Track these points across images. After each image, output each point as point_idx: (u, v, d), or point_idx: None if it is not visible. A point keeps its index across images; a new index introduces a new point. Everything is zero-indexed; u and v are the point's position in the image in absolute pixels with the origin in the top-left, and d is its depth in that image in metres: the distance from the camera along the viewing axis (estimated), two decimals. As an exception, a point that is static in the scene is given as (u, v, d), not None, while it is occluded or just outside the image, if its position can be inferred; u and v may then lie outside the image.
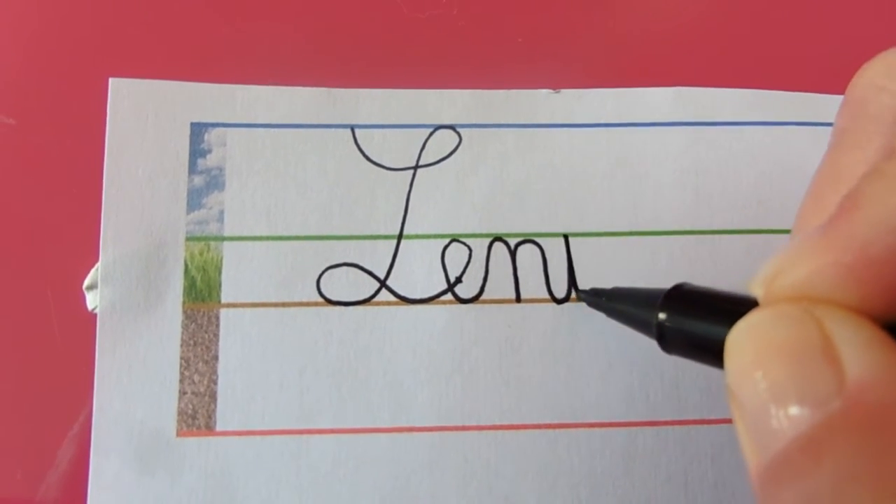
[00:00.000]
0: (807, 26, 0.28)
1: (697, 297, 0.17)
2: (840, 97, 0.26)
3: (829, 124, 0.26)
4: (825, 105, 0.26)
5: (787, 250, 0.13)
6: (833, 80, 0.26)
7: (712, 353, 0.15)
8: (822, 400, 0.11)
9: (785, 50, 0.27)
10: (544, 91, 0.26)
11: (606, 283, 0.25)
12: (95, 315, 0.24)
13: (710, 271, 0.25)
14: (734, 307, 0.14)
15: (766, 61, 0.27)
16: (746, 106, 0.26)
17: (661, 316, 0.17)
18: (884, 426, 0.11)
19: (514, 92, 0.26)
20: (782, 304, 0.12)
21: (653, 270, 0.25)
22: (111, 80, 0.25)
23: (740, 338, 0.13)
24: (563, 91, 0.26)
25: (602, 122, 0.26)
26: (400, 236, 0.25)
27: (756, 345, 0.12)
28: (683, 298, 0.17)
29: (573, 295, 0.25)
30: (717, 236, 0.25)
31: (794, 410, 0.11)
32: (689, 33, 0.28)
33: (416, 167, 0.25)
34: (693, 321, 0.16)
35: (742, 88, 0.26)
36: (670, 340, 0.17)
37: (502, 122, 0.26)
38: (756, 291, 0.13)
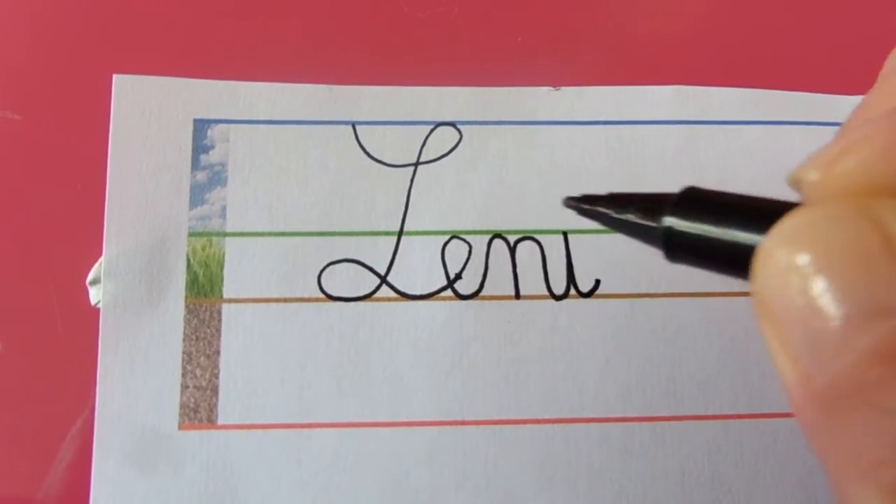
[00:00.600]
0: (805, 27, 0.28)
1: (715, 198, 0.15)
2: (840, 97, 0.26)
3: (827, 124, 0.26)
4: (823, 105, 0.26)
5: (846, 134, 0.11)
6: (831, 80, 0.26)
7: (731, 259, 0.13)
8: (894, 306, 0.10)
9: (784, 50, 0.28)
10: (544, 89, 0.26)
11: (606, 281, 0.25)
12: (98, 310, 0.24)
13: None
14: (761, 211, 0.13)
15: (765, 61, 0.27)
16: (745, 105, 0.26)
17: (671, 220, 0.15)
18: None
19: (514, 89, 0.26)
20: (831, 204, 0.11)
21: (650, 267, 0.25)
22: (115, 77, 0.25)
23: (781, 242, 0.11)
24: (563, 89, 0.26)
25: (601, 119, 0.26)
26: (400, 233, 0.25)
27: (806, 248, 0.10)
28: (699, 201, 0.15)
29: (572, 291, 0.25)
30: (714, 234, 0.25)
31: (859, 320, 0.10)
32: (688, 32, 0.28)
33: (416, 164, 0.26)
34: (710, 226, 0.14)
35: (741, 88, 0.26)
36: (679, 247, 0.15)
37: (502, 119, 0.26)
38: (810, 177, 0.11)
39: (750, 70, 0.27)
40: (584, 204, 0.19)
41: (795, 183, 0.12)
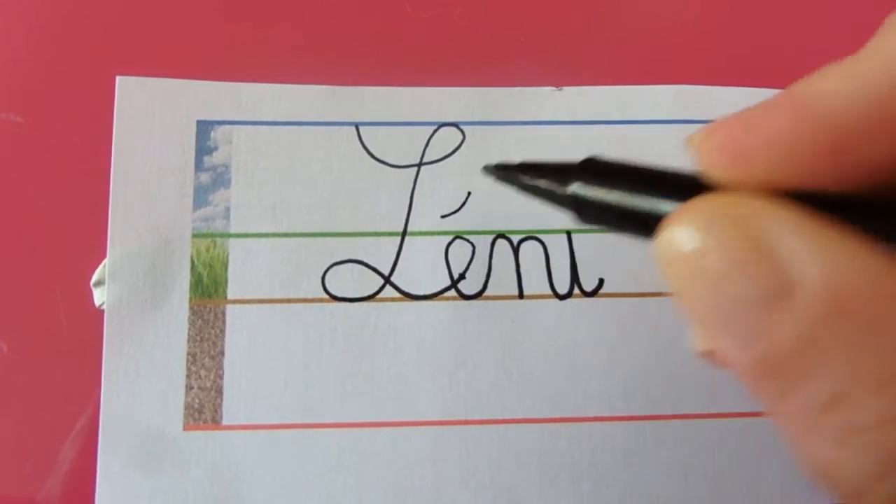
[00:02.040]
0: (807, 25, 0.28)
1: (614, 167, 0.16)
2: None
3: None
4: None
5: (744, 111, 0.13)
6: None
7: (635, 224, 0.15)
8: (778, 294, 0.11)
9: (785, 48, 0.28)
10: (547, 89, 0.26)
11: (610, 281, 0.25)
12: (103, 311, 0.24)
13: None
14: (656, 181, 0.15)
15: (767, 60, 0.27)
16: (747, 104, 0.26)
17: (576, 186, 0.16)
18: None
19: (516, 90, 0.26)
20: (711, 209, 0.12)
21: (654, 266, 0.25)
22: (118, 79, 0.25)
23: (671, 241, 0.13)
24: (566, 89, 0.26)
25: (604, 119, 0.26)
26: (404, 233, 0.25)
27: (701, 247, 0.12)
28: (600, 168, 0.17)
29: (575, 290, 0.25)
30: (717, 233, 0.25)
31: (773, 298, 0.11)
32: (690, 32, 0.28)
33: (419, 164, 0.26)
34: (610, 191, 0.16)
35: (742, 87, 0.26)
36: (586, 211, 0.17)
37: (505, 119, 0.26)
38: (694, 140, 0.13)
39: (751, 69, 0.27)
40: (500, 171, 0.20)
41: (688, 140, 0.13)
